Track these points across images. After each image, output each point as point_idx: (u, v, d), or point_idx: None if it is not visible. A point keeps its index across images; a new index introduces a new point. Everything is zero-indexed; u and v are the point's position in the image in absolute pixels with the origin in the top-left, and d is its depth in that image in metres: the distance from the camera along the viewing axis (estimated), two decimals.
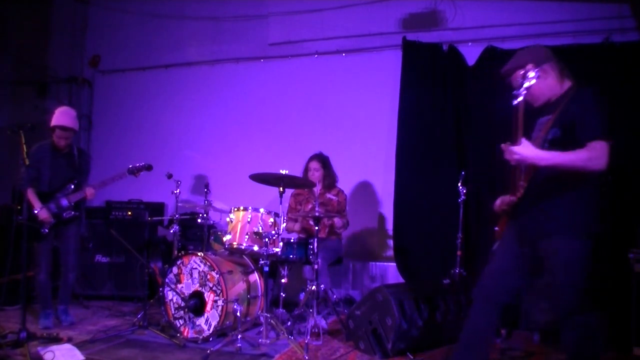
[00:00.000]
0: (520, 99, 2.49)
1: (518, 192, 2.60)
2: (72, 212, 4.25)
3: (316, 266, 4.00)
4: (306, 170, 4.83)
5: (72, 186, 4.25)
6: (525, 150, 2.41)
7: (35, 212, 4.05)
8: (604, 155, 2.31)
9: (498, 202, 2.74)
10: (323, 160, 4.85)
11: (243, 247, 3.92)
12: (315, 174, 4.78)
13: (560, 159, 2.38)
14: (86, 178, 4.43)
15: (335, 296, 4.73)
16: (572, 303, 2.44)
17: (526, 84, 2.46)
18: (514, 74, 2.65)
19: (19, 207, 3.96)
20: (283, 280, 4.23)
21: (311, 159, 4.85)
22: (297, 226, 4.81)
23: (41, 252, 4.18)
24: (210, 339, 3.77)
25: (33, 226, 4.08)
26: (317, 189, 4.75)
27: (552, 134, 2.51)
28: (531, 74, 2.47)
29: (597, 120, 2.38)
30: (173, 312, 3.96)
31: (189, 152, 6.26)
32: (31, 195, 4.09)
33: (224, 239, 4.03)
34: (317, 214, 4.00)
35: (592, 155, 2.32)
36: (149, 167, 4.41)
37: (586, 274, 2.45)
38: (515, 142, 2.46)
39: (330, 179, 4.86)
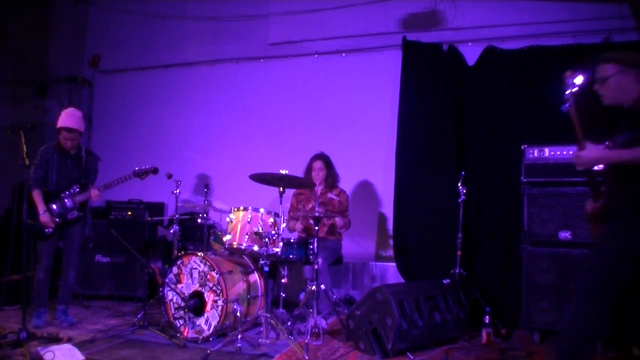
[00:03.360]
0: (567, 105, 2.52)
1: (601, 198, 2.59)
2: (76, 213, 4.26)
3: (316, 266, 4.00)
4: (309, 169, 4.83)
5: (78, 187, 4.26)
6: (590, 152, 2.46)
7: (39, 214, 4.08)
8: None
9: (588, 208, 2.73)
10: (326, 159, 4.86)
11: (243, 247, 3.92)
12: (320, 173, 4.79)
13: (626, 155, 2.39)
14: (94, 179, 4.44)
15: (335, 296, 4.73)
16: (592, 289, 2.40)
17: (573, 89, 2.50)
18: (596, 67, 2.62)
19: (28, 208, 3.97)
20: (283, 280, 4.23)
21: (315, 158, 4.85)
22: (298, 225, 4.81)
23: (44, 250, 4.20)
24: (210, 339, 3.77)
25: (37, 226, 4.10)
26: (319, 189, 4.75)
27: (621, 139, 2.51)
28: (578, 79, 2.50)
29: None
30: (173, 312, 3.96)
31: (189, 152, 6.26)
32: (37, 197, 4.12)
33: (224, 239, 4.03)
34: (316, 214, 4.00)
35: None
36: (155, 170, 4.41)
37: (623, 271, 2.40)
38: (580, 146, 2.50)
39: (332, 179, 4.88)
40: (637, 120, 2.46)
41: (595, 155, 2.45)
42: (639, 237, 2.37)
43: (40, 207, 4.11)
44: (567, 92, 2.56)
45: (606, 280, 2.40)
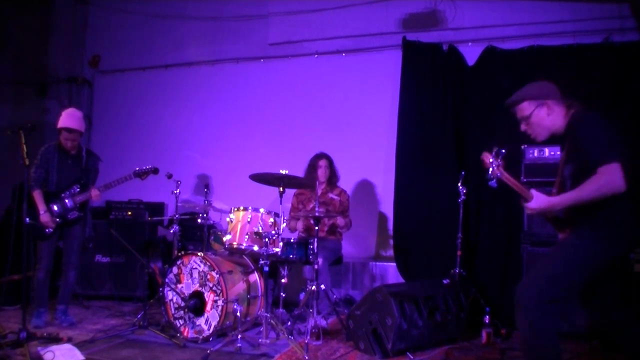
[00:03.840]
0: (498, 175, 2.50)
1: (567, 227, 2.61)
2: (77, 213, 4.26)
3: (316, 266, 4.00)
4: (314, 167, 4.82)
5: (78, 187, 4.26)
6: (537, 203, 2.45)
7: (39, 214, 4.09)
8: (617, 177, 2.28)
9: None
10: (330, 159, 4.90)
11: (243, 247, 3.92)
12: (327, 171, 4.82)
13: (574, 197, 2.38)
14: (94, 179, 4.44)
15: (335, 296, 4.73)
16: (543, 291, 2.42)
17: (493, 167, 2.48)
18: (514, 108, 2.67)
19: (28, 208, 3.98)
20: (283, 280, 4.23)
21: (320, 157, 4.87)
22: (299, 225, 4.81)
23: (44, 250, 4.20)
24: (210, 339, 3.77)
25: (37, 226, 4.10)
26: (320, 188, 4.75)
27: (567, 171, 2.53)
28: (496, 155, 2.50)
29: (595, 145, 2.37)
30: (173, 312, 3.96)
31: (189, 152, 6.26)
32: (37, 197, 4.13)
33: (224, 239, 4.02)
34: (317, 213, 4.00)
35: (602, 182, 2.29)
36: (155, 171, 4.41)
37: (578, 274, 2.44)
38: (526, 198, 2.49)
39: (334, 178, 4.91)
40: (576, 146, 2.47)
41: (543, 206, 2.44)
42: (596, 249, 2.41)
43: (41, 207, 4.12)
44: (491, 171, 2.50)
45: (557, 286, 2.42)
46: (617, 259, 2.47)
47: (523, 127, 2.66)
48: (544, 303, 2.40)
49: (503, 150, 2.52)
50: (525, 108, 2.60)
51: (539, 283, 2.46)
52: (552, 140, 4.11)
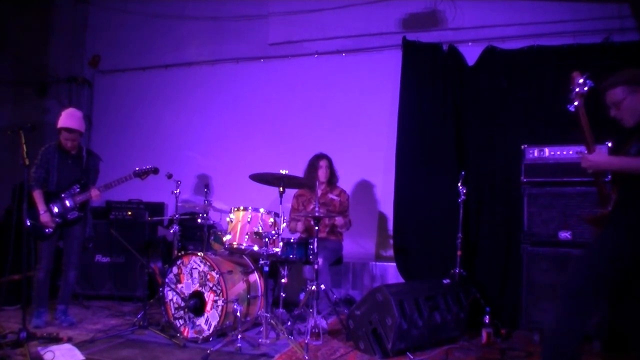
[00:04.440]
0: (576, 103, 2.55)
1: (608, 204, 2.61)
2: (77, 213, 4.26)
3: (316, 266, 4.00)
4: (314, 168, 4.81)
5: (78, 187, 4.26)
6: (598, 157, 2.51)
7: (39, 213, 4.09)
8: None
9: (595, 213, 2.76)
10: (329, 159, 4.90)
11: (243, 247, 3.92)
12: (326, 171, 4.82)
13: (631, 163, 2.43)
14: (95, 179, 4.44)
15: (335, 296, 4.73)
16: (581, 285, 2.43)
17: (577, 90, 2.55)
18: (607, 93, 2.67)
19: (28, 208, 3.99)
20: (283, 280, 4.23)
21: (320, 157, 4.87)
22: (299, 226, 4.81)
23: (44, 250, 4.20)
24: (210, 339, 3.77)
25: (37, 226, 4.10)
26: (320, 189, 4.75)
27: (634, 149, 2.54)
28: (587, 81, 2.56)
29: None
30: (173, 312, 3.96)
31: (189, 152, 6.26)
32: (37, 197, 4.13)
33: (224, 239, 4.03)
34: (317, 213, 4.00)
35: None
36: (155, 171, 4.41)
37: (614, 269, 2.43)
38: (589, 149, 2.54)
39: (334, 178, 4.91)
40: None
41: (602, 160, 2.51)
42: (633, 245, 2.40)
43: (41, 207, 4.12)
44: (575, 92, 2.58)
45: (595, 281, 2.42)
46: None
47: (613, 112, 2.66)
48: (581, 297, 2.41)
49: (592, 83, 2.55)
50: (619, 93, 2.61)
51: (576, 277, 2.47)
52: (552, 140, 4.15)
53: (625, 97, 2.59)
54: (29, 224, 4.04)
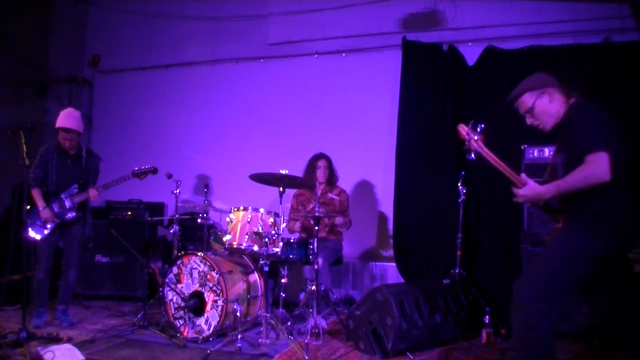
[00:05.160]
0: (473, 155, 2.56)
1: (561, 217, 2.63)
2: (75, 214, 4.26)
3: (316, 266, 4.00)
4: (313, 168, 4.82)
5: (77, 187, 4.26)
6: (528, 191, 2.47)
7: (39, 210, 4.10)
8: (602, 166, 2.29)
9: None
10: (329, 159, 4.90)
11: (243, 247, 3.92)
12: (326, 171, 4.82)
13: (562, 185, 2.40)
14: (94, 179, 4.44)
15: (335, 296, 4.73)
16: (540, 289, 2.43)
17: (469, 139, 2.56)
18: (516, 104, 2.70)
19: (27, 207, 4.01)
20: (283, 280, 4.23)
21: (319, 157, 4.86)
22: (297, 225, 4.81)
23: (44, 250, 4.20)
24: (210, 339, 3.77)
25: (36, 226, 4.11)
26: (320, 189, 4.75)
27: (560, 159, 2.54)
28: (466, 130, 2.58)
29: (585, 134, 2.38)
30: (173, 312, 3.96)
31: (189, 152, 6.26)
32: (36, 195, 4.14)
33: (224, 239, 4.03)
34: (317, 213, 4.00)
35: (588, 171, 2.31)
36: (154, 171, 4.40)
37: (575, 270, 2.44)
38: (517, 185, 2.51)
39: (333, 178, 4.91)
40: (568, 134, 2.49)
41: (536, 193, 2.46)
42: (592, 244, 2.40)
43: (40, 203, 4.13)
44: (468, 143, 2.57)
45: (552, 284, 2.43)
46: (613, 256, 2.46)
47: (529, 120, 2.67)
48: (540, 301, 2.40)
49: (482, 125, 2.54)
50: (527, 100, 2.63)
51: (534, 281, 2.47)
52: (552, 140, 4.14)
53: (534, 102, 2.60)
54: (30, 233, 4.06)
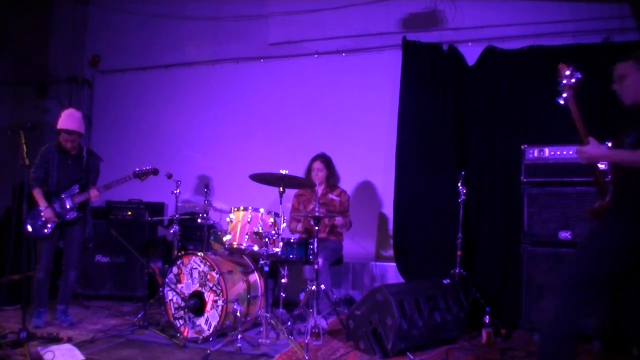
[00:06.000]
0: (565, 95, 2.56)
1: (607, 195, 2.61)
2: (75, 214, 4.26)
3: (316, 266, 4.00)
4: (309, 170, 4.82)
5: (77, 188, 4.26)
6: (592, 149, 2.50)
7: (41, 209, 4.09)
8: None
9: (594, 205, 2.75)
10: (326, 160, 4.86)
11: (243, 247, 3.92)
12: (319, 174, 4.79)
13: (627, 157, 2.42)
14: (95, 179, 4.45)
15: (335, 296, 4.73)
16: (579, 276, 2.43)
17: (565, 82, 2.56)
18: (617, 65, 2.64)
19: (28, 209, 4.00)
20: (283, 280, 4.22)
21: (315, 159, 4.85)
22: (299, 226, 4.81)
23: (44, 250, 4.20)
24: (210, 339, 3.77)
25: (36, 226, 4.11)
26: (320, 189, 4.75)
27: (630, 138, 2.53)
28: (574, 72, 2.57)
29: None
30: (173, 312, 3.96)
31: (189, 152, 6.26)
32: (37, 194, 4.15)
33: (224, 239, 4.03)
34: (317, 213, 4.00)
35: None
36: (155, 171, 4.40)
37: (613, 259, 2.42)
38: (583, 141, 2.53)
39: (333, 179, 4.87)
40: None
41: (597, 153, 2.49)
42: (634, 235, 2.39)
43: (42, 202, 4.13)
44: (563, 84, 2.58)
45: (592, 273, 2.42)
46: None
47: (616, 85, 2.63)
48: (579, 288, 2.40)
49: (579, 74, 2.54)
50: (627, 67, 2.58)
51: (575, 268, 2.46)
52: (552, 140, 4.15)
53: (631, 73, 2.55)
54: (29, 228, 4.06)
